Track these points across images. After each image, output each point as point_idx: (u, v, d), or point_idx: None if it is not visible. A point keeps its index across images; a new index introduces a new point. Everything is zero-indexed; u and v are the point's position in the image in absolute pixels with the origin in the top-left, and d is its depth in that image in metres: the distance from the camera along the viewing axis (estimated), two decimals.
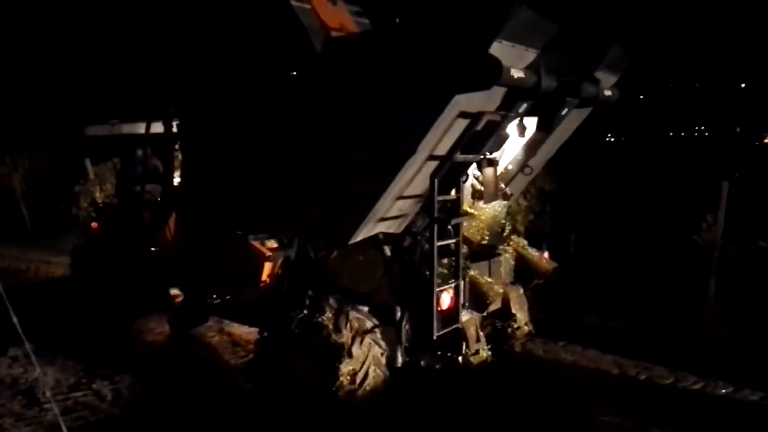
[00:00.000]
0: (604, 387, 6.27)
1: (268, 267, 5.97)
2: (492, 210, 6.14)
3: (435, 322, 5.04)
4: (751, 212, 10.62)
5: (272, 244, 6.13)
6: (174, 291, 7.76)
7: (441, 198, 5.05)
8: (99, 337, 7.49)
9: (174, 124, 6.80)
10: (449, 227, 5.45)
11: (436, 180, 4.96)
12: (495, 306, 5.83)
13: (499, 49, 4.31)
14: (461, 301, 5.35)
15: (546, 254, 6.53)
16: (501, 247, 6.23)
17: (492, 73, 4.27)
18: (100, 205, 10.67)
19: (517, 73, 4.49)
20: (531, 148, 6.08)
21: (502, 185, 6.20)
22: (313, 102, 5.19)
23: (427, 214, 5.45)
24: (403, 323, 5.59)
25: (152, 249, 7.28)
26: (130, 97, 7.45)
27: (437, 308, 5.06)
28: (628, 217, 11.75)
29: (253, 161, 5.64)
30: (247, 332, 7.47)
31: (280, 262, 6.06)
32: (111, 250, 7.77)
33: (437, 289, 5.11)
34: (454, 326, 5.26)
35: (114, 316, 7.71)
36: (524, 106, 5.12)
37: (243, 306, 6.51)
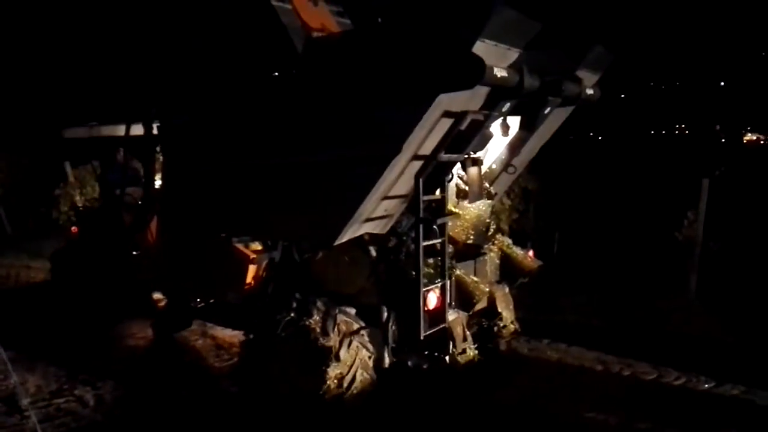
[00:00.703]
0: (589, 383, 6.29)
1: (252, 269, 5.93)
2: (476, 209, 6.15)
3: (422, 322, 5.03)
4: (731, 209, 10.77)
5: (256, 246, 6.09)
6: (156, 295, 7.70)
7: (426, 198, 5.04)
8: (80, 343, 7.37)
9: (155, 126, 6.74)
10: (434, 227, 5.46)
11: (421, 180, 4.96)
12: (481, 305, 5.83)
13: (482, 48, 4.32)
14: (448, 300, 5.35)
15: (530, 252, 6.55)
16: (486, 246, 6.23)
17: (475, 72, 4.28)
18: (80, 208, 10.54)
19: (500, 72, 4.50)
20: (514, 147, 6.10)
21: (487, 184, 6.22)
22: (295, 103, 5.16)
23: (413, 214, 5.46)
24: (390, 324, 5.57)
25: (133, 253, 7.20)
26: (109, 99, 7.31)
27: (424, 308, 5.05)
28: (611, 215, 11.82)
29: (236, 163, 5.59)
30: (230, 335, 7.38)
31: (264, 264, 6.03)
32: (91, 254, 7.68)
33: (423, 289, 5.11)
34: (441, 326, 5.25)
35: (95, 320, 7.61)
36: (507, 105, 5.13)
37: (227, 309, 6.46)
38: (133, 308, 7.62)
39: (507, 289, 6.36)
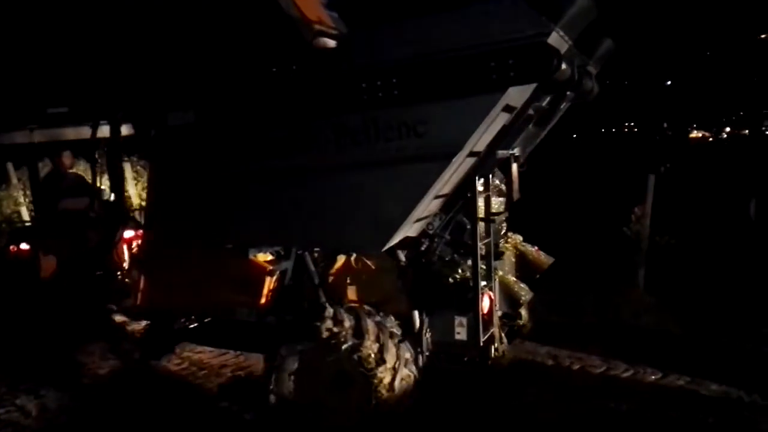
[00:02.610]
0: (540, 377, 6.37)
1: (269, 282, 5.43)
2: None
3: (481, 328, 4.83)
4: (677, 204, 11.47)
5: (266, 256, 5.60)
6: (119, 317, 6.88)
7: (486, 195, 4.85)
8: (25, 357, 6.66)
9: (122, 129, 6.01)
10: (467, 227, 5.29)
11: (477, 177, 4.76)
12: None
13: (554, 38, 4.21)
14: (496, 303, 5.19)
15: (535, 249, 6.53)
16: (501, 244, 6.14)
17: (551, 64, 4.14)
18: (19, 225, 9.19)
19: (563, 65, 4.41)
20: (526, 142, 6.05)
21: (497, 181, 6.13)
22: (332, 95, 4.75)
23: (445, 214, 5.28)
24: (424, 331, 5.32)
25: (98, 273, 6.39)
26: (55, 97, 6.38)
27: (481, 313, 4.85)
28: (563, 210, 12.09)
29: (255, 166, 5.06)
30: (209, 356, 6.85)
31: (277, 276, 5.54)
32: (38, 279, 6.69)
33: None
34: (492, 330, 5.08)
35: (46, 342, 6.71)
36: (547, 99, 5.08)
37: (233, 328, 5.85)
38: (91, 332, 6.76)
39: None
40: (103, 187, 7.02)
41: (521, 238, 6.30)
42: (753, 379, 6.18)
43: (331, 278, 5.67)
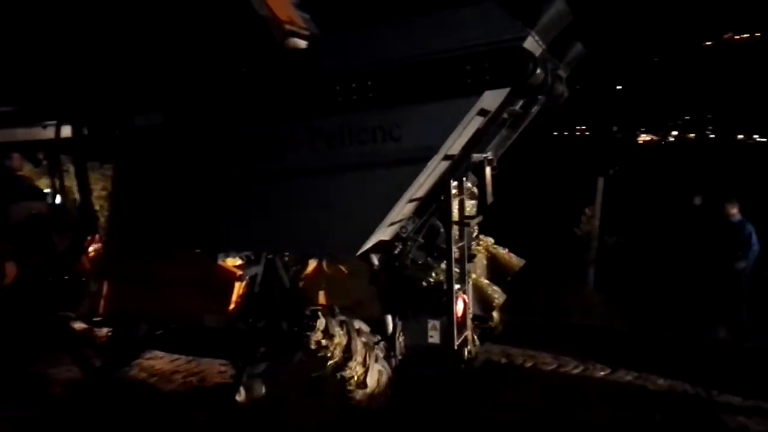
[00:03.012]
0: (495, 374, 6.50)
1: (238, 288, 5.31)
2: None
3: (455, 331, 4.81)
4: (625, 205, 11.75)
5: (234, 261, 5.47)
6: (78, 324, 6.62)
7: (460, 198, 4.84)
8: None
9: (85, 130, 5.78)
10: (441, 231, 5.27)
11: (451, 181, 4.75)
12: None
13: (530, 43, 4.23)
14: (469, 306, 5.18)
15: (506, 251, 6.55)
16: (473, 247, 6.13)
17: (527, 68, 4.15)
18: None
19: (538, 70, 4.43)
20: (498, 146, 6.07)
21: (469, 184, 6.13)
22: (304, 96, 4.65)
23: (418, 217, 5.25)
24: (397, 335, 5.28)
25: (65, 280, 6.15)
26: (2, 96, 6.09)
27: (455, 316, 4.84)
28: (514, 212, 12.23)
29: (225, 169, 4.93)
30: (163, 363, 6.74)
31: (246, 281, 5.42)
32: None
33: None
34: (466, 333, 5.07)
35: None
36: (520, 103, 5.10)
37: (197, 335, 5.69)
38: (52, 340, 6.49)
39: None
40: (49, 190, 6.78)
41: (492, 241, 6.32)
42: (696, 372, 6.46)
43: (302, 283, 5.60)
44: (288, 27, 5.24)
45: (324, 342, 4.76)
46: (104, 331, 6.41)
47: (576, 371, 6.69)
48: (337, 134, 4.60)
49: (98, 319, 5.88)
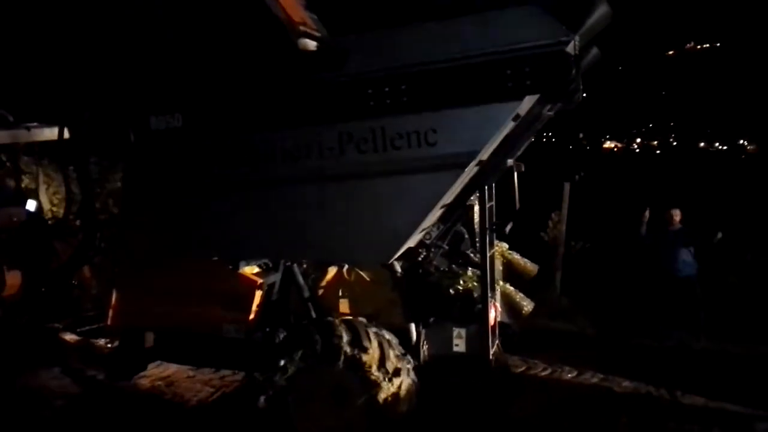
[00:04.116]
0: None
1: (259, 297, 5.13)
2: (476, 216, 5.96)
3: (490, 340, 4.72)
4: (591, 210, 11.86)
5: (252, 269, 5.29)
6: (69, 336, 6.34)
7: (490, 205, 4.75)
8: None
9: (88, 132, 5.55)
10: (466, 237, 5.19)
11: (486, 186, 4.66)
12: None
13: (571, 48, 4.16)
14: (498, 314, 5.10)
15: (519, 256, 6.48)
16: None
17: (569, 74, 4.09)
18: None
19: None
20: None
21: None
22: (334, 100, 4.53)
23: (443, 223, 5.15)
24: (421, 344, 5.17)
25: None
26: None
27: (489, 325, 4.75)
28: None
29: (251, 174, 4.76)
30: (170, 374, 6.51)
31: (266, 290, 5.25)
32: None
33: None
34: (497, 341, 4.98)
35: None
36: (548, 107, 5.04)
37: (212, 345, 5.47)
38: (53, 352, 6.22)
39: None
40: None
41: (507, 246, 6.25)
42: (660, 374, 6.58)
43: (321, 291, 5.46)
44: (302, 28, 5.12)
45: (356, 353, 4.63)
46: (103, 342, 6.19)
47: (544, 374, 6.78)
48: (369, 139, 4.48)
49: (108, 331, 5.63)
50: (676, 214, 8.21)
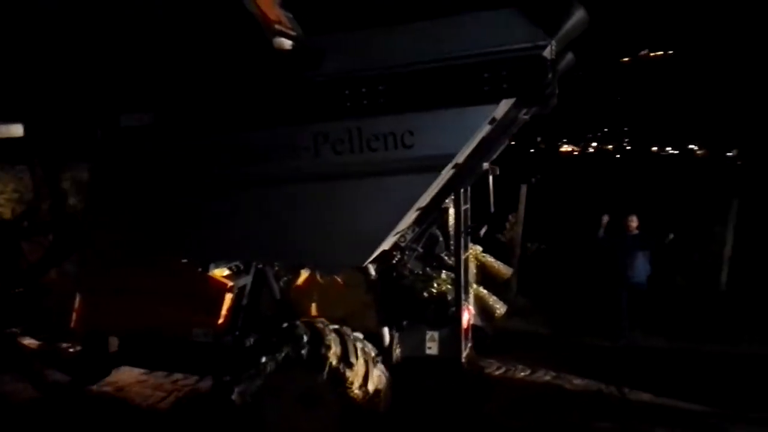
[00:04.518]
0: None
1: (229, 300, 5.03)
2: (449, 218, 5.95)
3: (463, 342, 4.71)
4: (547, 212, 12.08)
5: (222, 271, 5.18)
6: (28, 340, 6.13)
7: (465, 208, 4.75)
8: None
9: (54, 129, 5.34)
10: (440, 240, 5.18)
11: (462, 189, 4.65)
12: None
13: (547, 52, 4.19)
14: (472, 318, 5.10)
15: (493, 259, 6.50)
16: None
17: (545, 78, 4.11)
18: None
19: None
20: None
21: None
22: (309, 100, 4.46)
23: (418, 226, 5.13)
24: (394, 346, 5.13)
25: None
26: None
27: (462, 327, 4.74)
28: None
29: (223, 174, 4.65)
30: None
31: (236, 293, 5.15)
32: None
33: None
34: (470, 344, 4.98)
35: None
36: (524, 111, 5.06)
37: (180, 349, 5.32)
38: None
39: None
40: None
41: (480, 249, 6.26)
42: (610, 372, 6.80)
43: (293, 293, 5.38)
44: (277, 27, 5.04)
45: (321, 352, 4.58)
46: (65, 346, 5.98)
47: (498, 372, 6.89)
48: (345, 140, 4.43)
49: (72, 335, 5.44)
50: (633, 220, 8.45)
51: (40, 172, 5.57)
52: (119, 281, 5.12)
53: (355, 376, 4.60)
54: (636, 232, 8.40)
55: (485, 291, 5.63)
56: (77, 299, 5.28)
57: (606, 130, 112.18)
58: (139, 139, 4.83)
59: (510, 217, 10.33)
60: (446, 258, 5.47)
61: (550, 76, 4.08)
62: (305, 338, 4.68)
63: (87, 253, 5.26)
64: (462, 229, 4.81)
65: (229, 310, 5.09)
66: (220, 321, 5.02)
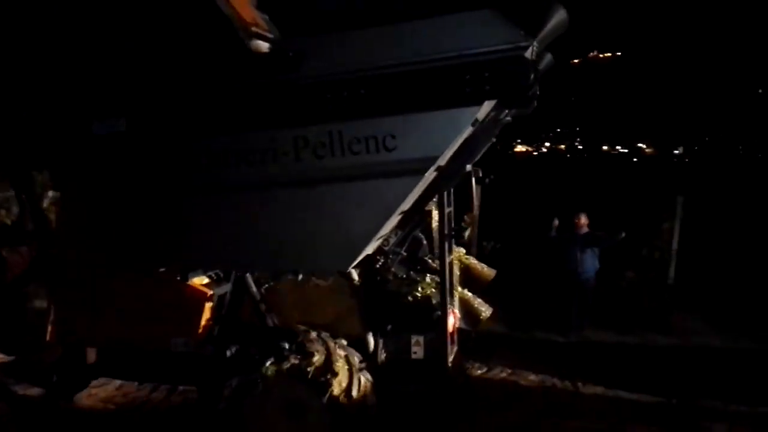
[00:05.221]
0: None
1: (208, 309, 4.91)
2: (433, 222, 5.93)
3: (449, 347, 4.69)
4: (502, 211, 12.26)
5: (202, 279, 5.06)
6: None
7: (448, 210, 4.73)
8: None
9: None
10: (425, 242, 5.16)
11: (445, 192, 4.63)
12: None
13: (529, 53, 4.20)
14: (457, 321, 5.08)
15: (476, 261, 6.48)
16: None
17: (528, 80, 4.11)
18: None
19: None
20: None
21: None
22: (289, 103, 4.37)
23: (400, 229, 5.10)
24: (379, 352, 5.09)
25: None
26: None
27: (448, 331, 4.72)
28: None
29: (198, 179, 4.54)
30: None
31: (216, 301, 5.04)
32: None
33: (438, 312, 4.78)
34: (456, 348, 4.96)
35: None
36: (506, 112, 5.08)
37: (159, 360, 5.18)
38: None
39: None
40: None
41: (464, 251, 6.25)
42: (563, 367, 6.96)
43: (275, 300, 5.29)
44: (254, 29, 4.96)
45: (302, 362, 4.52)
46: (42, 359, 5.75)
47: None
48: (326, 144, 4.37)
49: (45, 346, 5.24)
50: (583, 219, 8.75)
51: (21, 182, 5.37)
52: (95, 291, 4.99)
53: (339, 384, 4.57)
54: (586, 230, 8.67)
55: (470, 294, 5.61)
56: (52, 310, 5.11)
57: (558, 130, 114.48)
58: (112, 146, 4.68)
59: (465, 216, 10.44)
60: (430, 261, 5.45)
61: (532, 77, 4.10)
62: (287, 348, 4.63)
63: (61, 262, 5.08)
64: (446, 232, 4.80)
65: (210, 319, 4.98)
66: (200, 330, 4.91)
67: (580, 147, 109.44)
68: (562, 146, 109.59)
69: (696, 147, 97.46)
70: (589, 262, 8.59)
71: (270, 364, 4.64)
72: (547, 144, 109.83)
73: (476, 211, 5.21)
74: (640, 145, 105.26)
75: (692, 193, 11.05)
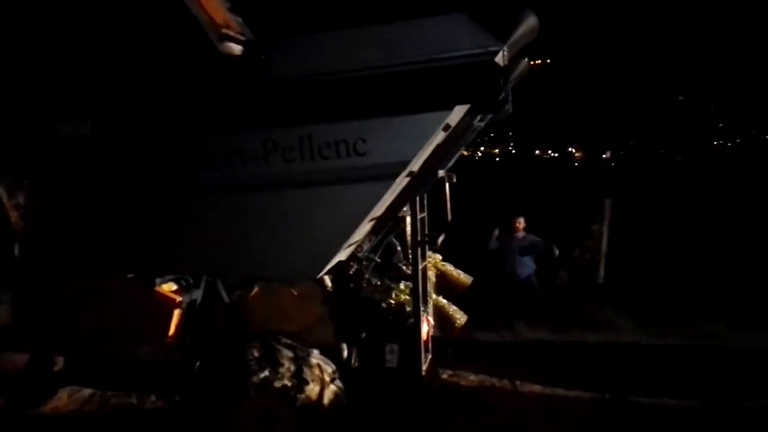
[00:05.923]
0: None
1: (177, 316, 4.81)
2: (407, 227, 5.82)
3: (423, 355, 4.57)
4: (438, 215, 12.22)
5: (171, 286, 4.96)
6: None
7: (422, 216, 4.62)
8: None
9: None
10: (398, 249, 5.05)
11: (418, 197, 4.53)
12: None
13: (499, 58, 4.09)
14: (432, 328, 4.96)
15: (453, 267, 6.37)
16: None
17: (497, 85, 4.02)
18: None
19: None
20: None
21: None
22: (258, 106, 4.30)
23: (374, 235, 4.98)
24: (352, 361, 4.97)
25: None
26: None
27: (422, 339, 4.60)
28: None
29: (165, 182, 4.46)
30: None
31: (185, 308, 4.93)
32: None
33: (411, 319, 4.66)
34: (430, 356, 4.84)
35: None
36: (479, 118, 4.97)
37: (127, 368, 5.09)
38: None
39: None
40: None
41: (440, 258, 6.13)
42: (501, 367, 6.72)
43: (246, 308, 5.17)
44: (225, 31, 4.86)
45: (270, 372, 4.41)
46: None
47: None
48: (295, 148, 4.27)
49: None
50: (521, 222, 8.99)
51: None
52: (60, 298, 4.87)
53: (310, 393, 4.46)
54: (523, 233, 8.95)
55: (444, 301, 5.50)
56: (18, 316, 5.02)
57: (492, 134, 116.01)
58: (77, 148, 4.59)
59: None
60: (405, 268, 5.34)
61: (501, 82, 4.00)
62: (257, 358, 4.52)
63: (24, 268, 4.99)
64: (419, 238, 4.69)
65: (178, 326, 4.87)
66: (169, 338, 4.81)
67: (514, 151, 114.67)
68: (496, 150, 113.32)
69: (622, 151, 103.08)
70: (527, 264, 8.87)
71: (240, 373, 4.54)
72: (482, 148, 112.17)
73: (449, 216, 5.05)
74: (570, 149, 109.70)
75: (619, 195, 11.34)
